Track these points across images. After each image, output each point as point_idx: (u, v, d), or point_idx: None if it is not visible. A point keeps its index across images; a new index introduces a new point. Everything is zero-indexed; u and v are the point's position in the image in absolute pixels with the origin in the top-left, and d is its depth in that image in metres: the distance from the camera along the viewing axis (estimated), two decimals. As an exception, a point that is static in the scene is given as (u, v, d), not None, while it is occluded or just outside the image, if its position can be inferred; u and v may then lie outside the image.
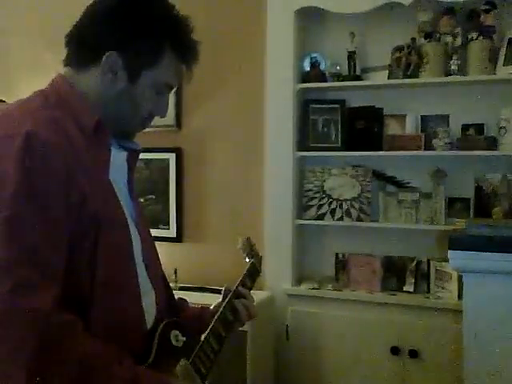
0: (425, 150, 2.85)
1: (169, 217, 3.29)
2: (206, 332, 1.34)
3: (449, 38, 2.81)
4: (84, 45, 1.21)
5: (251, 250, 1.64)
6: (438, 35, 2.84)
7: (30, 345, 0.97)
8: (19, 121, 1.09)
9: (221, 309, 1.41)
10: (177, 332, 1.26)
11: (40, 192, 1.04)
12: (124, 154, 1.28)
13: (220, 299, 1.46)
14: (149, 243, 1.32)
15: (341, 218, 2.99)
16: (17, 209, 1.02)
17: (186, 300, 1.54)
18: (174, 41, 1.22)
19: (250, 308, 1.46)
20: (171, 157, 3.28)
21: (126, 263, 1.20)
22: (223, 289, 1.49)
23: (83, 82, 1.21)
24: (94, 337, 1.08)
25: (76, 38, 1.23)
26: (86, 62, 1.21)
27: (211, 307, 1.47)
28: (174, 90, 1.37)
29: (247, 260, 1.62)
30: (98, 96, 1.21)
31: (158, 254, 1.39)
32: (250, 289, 1.56)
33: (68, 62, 1.24)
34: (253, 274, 1.60)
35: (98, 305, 1.11)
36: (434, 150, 2.83)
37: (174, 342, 1.24)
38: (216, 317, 1.38)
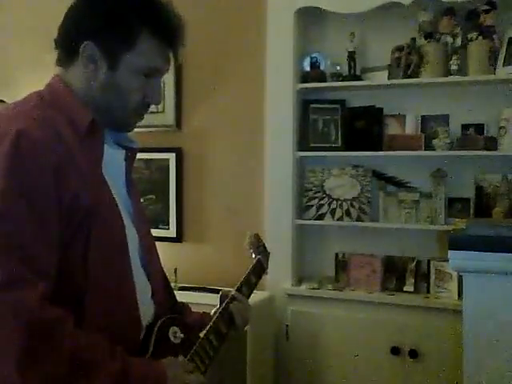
0: (425, 150, 2.84)
1: (169, 217, 3.29)
2: (206, 329, 1.33)
3: (449, 38, 2.81)
4: (65, 41, 1.23)
5: (259, 246, 1.65)
6: (438, 35, 2.84)
7: (18, 340, 0.98)
8: (11, 120, 1.10)
9: (220, 309, 1.41)
10: (176, 329, 1.26)
11: (28, 189, 1.05)
12: (122, 153, 1.29)
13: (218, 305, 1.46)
14: (147, 241, 1.32)
15: (341, 218, 2.99)
16: (4, 205, 1.03)
17: (188, 305, 1.53)
18: (150, 23, 1.20)
19: (243, 313, 1.45)
20: (171, 157, 3.28)
21: (120, 259, 1.20)
22: (219, 295, 1.48)
23: (72, 78, 1.23)
24: (85, 331, 1.08)
25: (59, 37, 1.24)
26: (68, 57, 1.23)
27: (211, 312, 1.46)
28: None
29: (253, 256, 1.63)
30: (86, 90, 1.21)
31: (157, 253, 1.39)
32: (255, 285, 1.56)
33: (58, 63, 1.26)
34: (258, 271, 1.60)
35: (93, 301, 1.12)
36: (434, 149, 2.82)
37: (172, 339, 1.24)
38: (215, 317, 1.38)
